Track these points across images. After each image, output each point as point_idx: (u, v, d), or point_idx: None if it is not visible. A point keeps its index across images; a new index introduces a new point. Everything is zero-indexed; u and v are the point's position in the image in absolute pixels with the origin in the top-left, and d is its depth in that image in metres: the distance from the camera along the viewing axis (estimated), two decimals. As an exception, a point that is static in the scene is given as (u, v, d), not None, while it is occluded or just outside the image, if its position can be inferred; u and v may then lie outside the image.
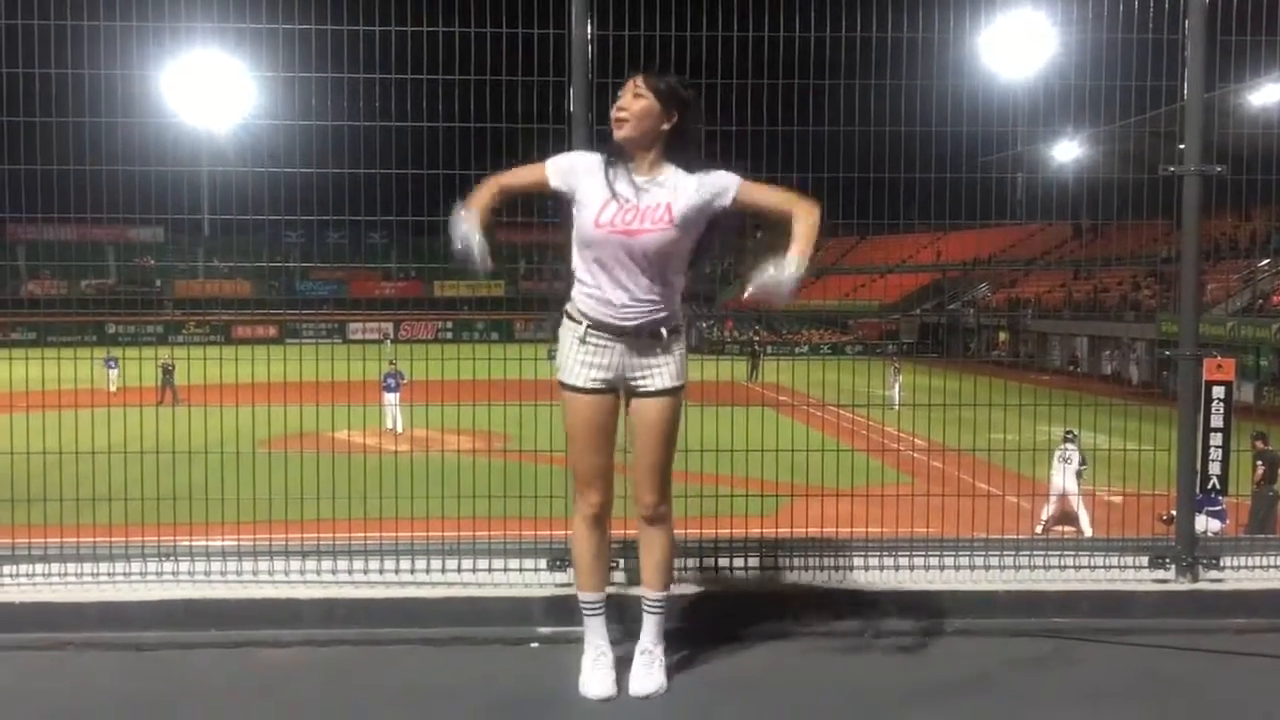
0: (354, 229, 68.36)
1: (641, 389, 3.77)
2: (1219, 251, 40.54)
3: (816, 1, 4.83)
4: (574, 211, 3.73)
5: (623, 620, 4.05)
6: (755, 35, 4.93)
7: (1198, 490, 4.93)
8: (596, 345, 3.72)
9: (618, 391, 3.80)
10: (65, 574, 4.62)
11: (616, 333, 3.70)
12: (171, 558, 4.70)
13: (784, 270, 3.51)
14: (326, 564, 4.70)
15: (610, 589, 4.03)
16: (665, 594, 3.90)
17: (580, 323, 3.73)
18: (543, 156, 4.54)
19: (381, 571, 4.67)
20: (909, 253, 67.07)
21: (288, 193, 5.30)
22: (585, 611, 3.90)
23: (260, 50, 4.94)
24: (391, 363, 23.49)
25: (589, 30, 4.55)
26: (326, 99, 4.96)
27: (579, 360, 3.75)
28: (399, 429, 22.94)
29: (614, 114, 3.70)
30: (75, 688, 3.94)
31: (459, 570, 4.68)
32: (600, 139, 4.61)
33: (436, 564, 4.70)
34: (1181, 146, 4.82)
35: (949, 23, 5.16)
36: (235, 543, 4.81)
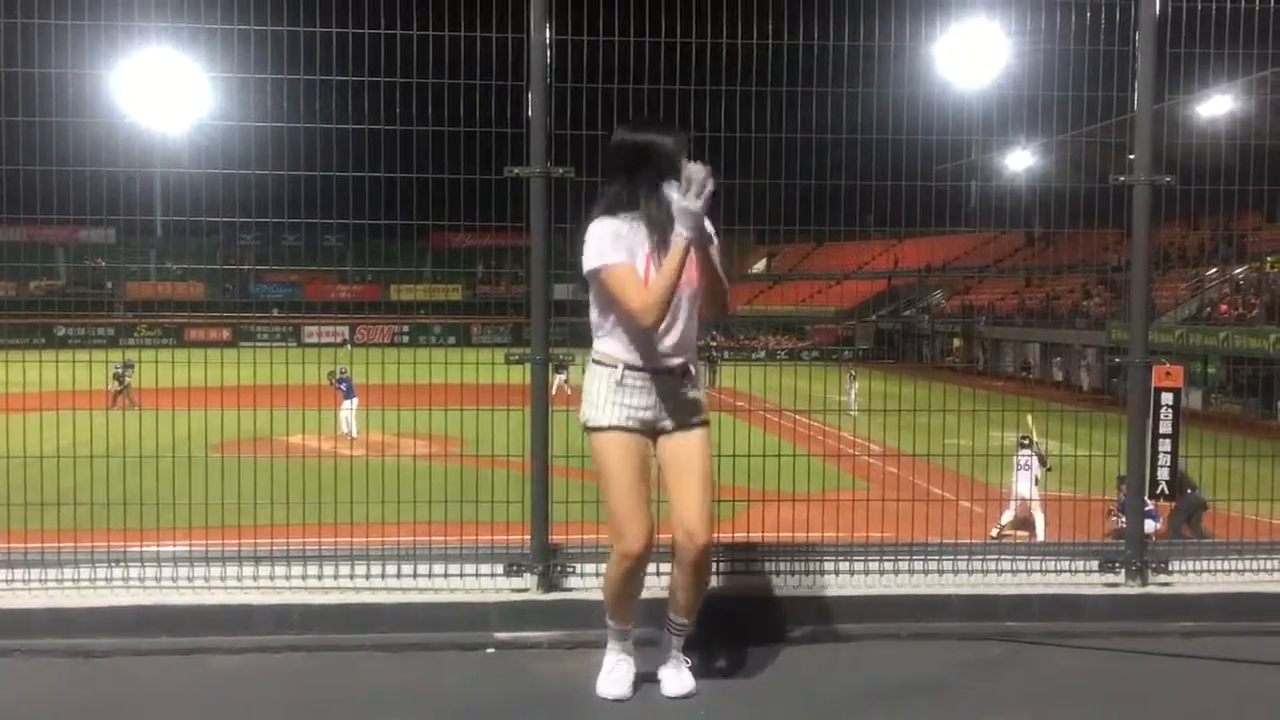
0: (309, 231, 67.87)
1: (677, 425, 3.80)
2: (1168, 260, 41.21)
3: (774, 9, 4.86)
4: None
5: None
6: (713, 42, 4.95)
7: (1145, 495, 5.01)
8: (633, 386, 3.73)
9: (651, 434, 3.80)
10: (12, 580, 4.55)
11: (654, 372, 3.73)
12: (122, 563, 4.64)
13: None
14: (280, 569, 4.66)
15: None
16: (694, 620, 3.90)
17: (615, 366, 3.73)
18: (500, 162, 4.55)
19: (336, 577, 4.64)
20: (865, 259, 67.65)
21: (242, 194, 5.25)
22: (612, 634, 3.91)
23: (215, 51, 4.89)
24: (344, 371, 23.10)
25: (548, 35, 4.56)
26: (283, 101, 4.92)
27: (616, 402, 3.73)
28: (354, 433, 22.78)
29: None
30: (22, 696, 3.88)
31: (414, 576, 4.66)
32: (557, 143, 4.62)
33: (391, 569, 4.67)
34: (1131, 157, 4.90)
35: (905, 32, 5.21)
36: (187, 548, 4.76)
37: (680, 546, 3.73)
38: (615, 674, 3.86)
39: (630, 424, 3.73)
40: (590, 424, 3.77)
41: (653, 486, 3.81)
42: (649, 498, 3.77)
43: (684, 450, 3.79)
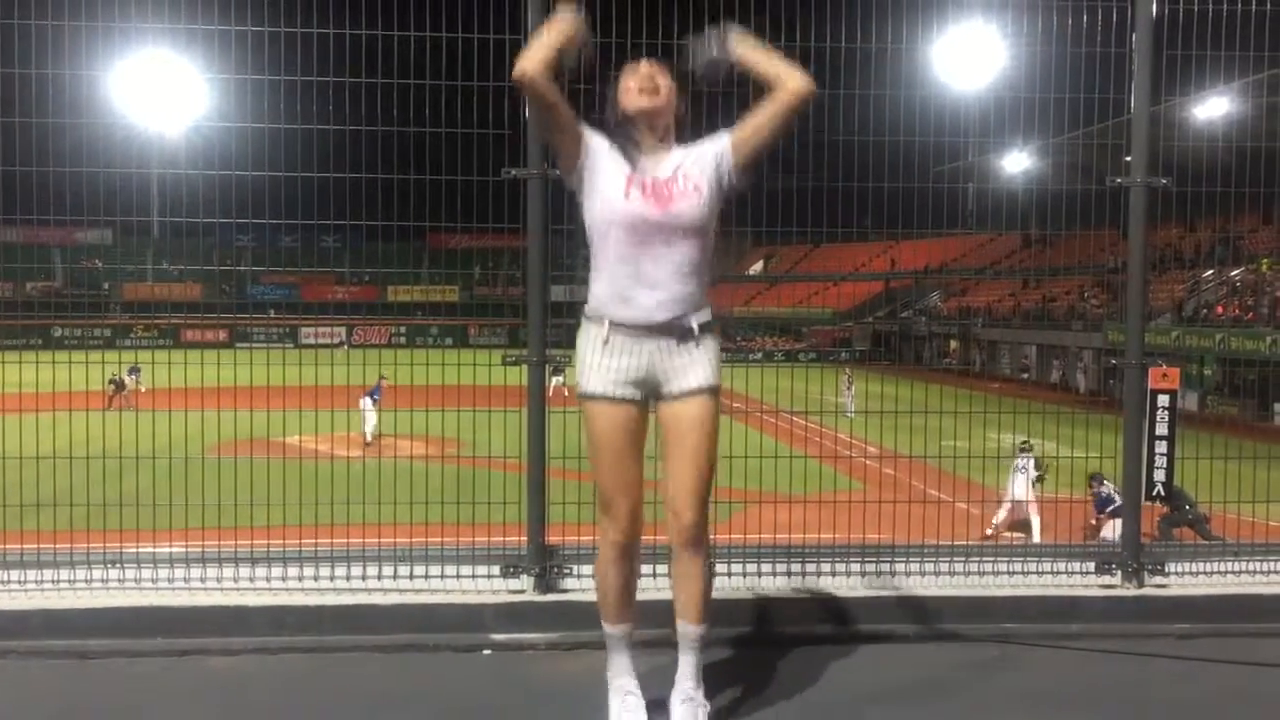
0: (307, 233, 67.94)
1: (674, 391, 3.42)
2: (1164, 262, 41.24)
3: (771, 11, 4.85)
4: (588, 197, 3.42)
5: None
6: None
7: (1138, 497, 5.02)
8: (621, 348, 3.38)
9: (647, 401, 3.46)
10: (8, 581, 4.54)
11: (644, 330, 3.37)
12: (118, 564, 4.64)
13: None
14: (276, 571, 4.66)
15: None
16: (705, 628, 3.50)
17: (600, 323, 3.40)
18: (498, 163, 4.52)
19: (332, 578, 4.63)
20: (862, 261, 67.62)
21: (239, 196, 5.25)
22: (611, 645, 3.56)
23: (213, 52, 4.89)
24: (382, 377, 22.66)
25: (545, 36, 4.54)
26: (280, 102, 4.92)
27: (602, 365, 3.39)
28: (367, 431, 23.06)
29: (636, 84, 3.42)
30: (18, 697, 3.87)
31: (410, 577, 4.66)
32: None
33: (388, 570, 4.67)
34: (1128, 159, 4.90)
35: (902, 34, 5.22)
36: (183, 549, 4.75)
37: (668, 524, 3.42)
38: (627, 716, 3.48)
39: (618, 392, 3.39)
40: (579, 389, 3.45)
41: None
42: (638, 473, 3.45)
43: (681, 419, 3.42)
